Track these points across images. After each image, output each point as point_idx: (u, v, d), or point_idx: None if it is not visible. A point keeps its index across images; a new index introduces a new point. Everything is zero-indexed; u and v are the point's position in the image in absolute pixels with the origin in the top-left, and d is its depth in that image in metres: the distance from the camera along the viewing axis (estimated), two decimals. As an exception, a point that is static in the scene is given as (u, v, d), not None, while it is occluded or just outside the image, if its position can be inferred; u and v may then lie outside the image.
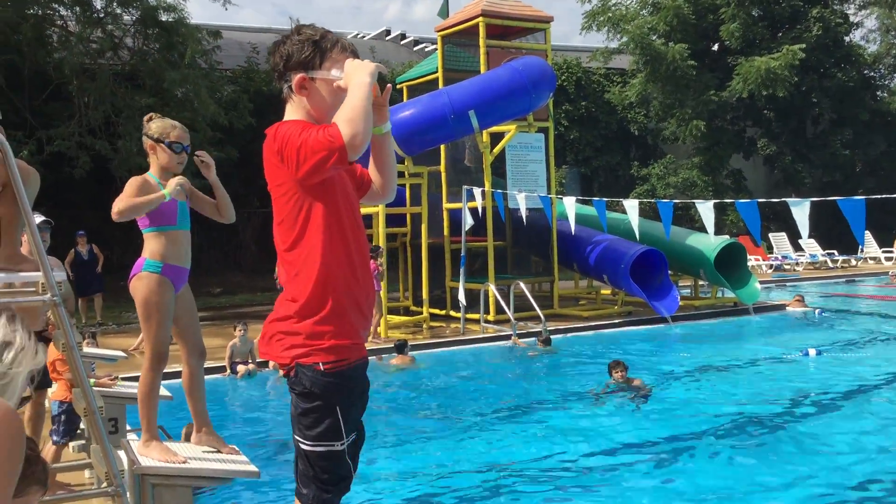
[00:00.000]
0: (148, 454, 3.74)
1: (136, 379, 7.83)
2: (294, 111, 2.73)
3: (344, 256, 2.68)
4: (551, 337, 11.57)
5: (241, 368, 10.05)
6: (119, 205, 3.76)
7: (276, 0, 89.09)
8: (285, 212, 2.66)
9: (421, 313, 13.40)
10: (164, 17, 16.93)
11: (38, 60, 16.59)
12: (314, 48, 2.67)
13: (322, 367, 2.63)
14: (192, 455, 3.86)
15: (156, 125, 3.92)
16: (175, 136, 3.90)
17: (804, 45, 24.15)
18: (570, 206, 11.49)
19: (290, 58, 2.69)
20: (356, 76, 2.56)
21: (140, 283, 3.80)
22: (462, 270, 12.67)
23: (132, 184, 3.83)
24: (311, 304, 2.64)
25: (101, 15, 16.98)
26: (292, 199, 2.64)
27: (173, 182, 3.82)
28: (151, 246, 3.86)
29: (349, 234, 2.71)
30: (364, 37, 31.16)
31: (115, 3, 16.63)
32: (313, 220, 2.64)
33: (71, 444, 5.47)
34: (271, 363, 10.28)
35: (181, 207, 3.92)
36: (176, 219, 3.89)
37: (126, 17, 17.21)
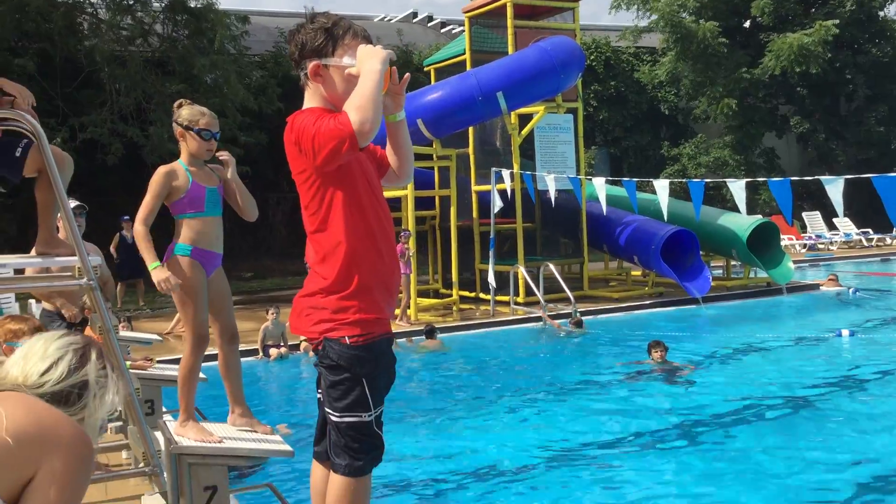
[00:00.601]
0: (185, 434, 3.81)
1: (171, 362, 7.97)
2: (311, 98, 2.81)
3: (366, 236, 2.77)
4: (582, 319, 11.55)
5: (273, 351, 10.16)
6: (138, 216, 3.88)
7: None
8: (309, 197, 2.77)
9: (450, 296, 13.43)
10: (192, 4, 17.03)
11: (70, 48, 16.77)
12: (326, 36, 2.74)
13: (348, 341, 2.73)
14: (228, 435, 3.92)
15: (186, 112, 3.95)
16: (204, 124, 3.94)
17: (837, 21, 23.72)
18: (600, 186, 11.43)
19: (304, 46, 2.76)
20: (367, 63, 2.62)
21: (170, 268, 3.86)
22: (491, 253, 12.67)
23: (157, 176, 3.88)
24: (337, 282, 2.75)
25: (131, 2, 17.11)
26: (314, 185, 2.74)
27: (160, 278, 3.84)
28: (183, 231, 3.92)
29: (370, 214, 2.80)
30: (391, 20, 31.11)
31: (143, -10, 16.76)
32: (336, 204, 2.73)
33: (109, 425, 5.57)
34: (303, 346, 10.40)
35: (210, 194, 3.96)
36: (204, 205, 3.93)
37: (155, 4, 17.32)
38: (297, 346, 10.45)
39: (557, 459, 5.86)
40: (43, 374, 1.80)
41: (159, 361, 6.48)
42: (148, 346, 7.22)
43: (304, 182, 2.76)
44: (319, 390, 2.94)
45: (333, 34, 2.74)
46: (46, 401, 1.76)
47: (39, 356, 1.83)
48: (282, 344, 10.39)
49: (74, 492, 1.68)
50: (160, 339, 7.84)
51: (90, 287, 3.81)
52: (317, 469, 3.03)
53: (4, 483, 1.63)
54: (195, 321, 3.87)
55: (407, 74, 2.86)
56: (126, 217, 14.90)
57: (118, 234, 14.69)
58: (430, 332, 10.57)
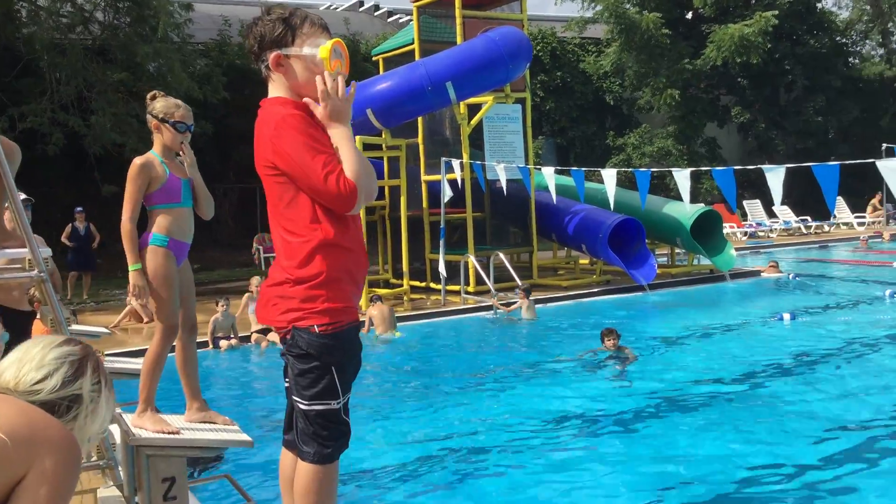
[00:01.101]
0: (142, 425, 3.79)
1: (119, 355, 7.87)
2: (276, 89, 2.84)
3: (336, 229, 2.79)
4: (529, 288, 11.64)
5: (223, 343, 10.09)
6: (124, 213, 3.86)
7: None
8: (279, 191, 2.78)
9: (401, 286, 13.47)
10: (134, -9, 16.69)
11: (7, 36, 16.33)
12: (285, 26, 2.78)
13: (317, 329, 2.76)
14: (186, 426, 3.92)
15: (160, 104, 3.95)
16: (179, 116, 3.95)
17: (777, 12, 24.29)
18: (549, 176, 11.55)
19: (264, 38, 2.80)
20: (337, 131, 2.76)
21: (147, 258, 3.86)
22: (441, 242, 12.73)
23: (134, 169, 3.87)
24: (306, 272, 2.77)
25: (71, -11, 16.73)
26: (286, 182, 2.76)
27: (139, 283, 3.82)
28: (158, 221, 3.91)
29: None
30: (337, 8, 30.89)
31: (85, -23, 16.38)
32: (306, 198, 2.76)
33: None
34: (253, 337, 10.34)
35: (185, 185, 3.97)
36: (181, 196, 3.94)
37: (96, -9, 16.96)
38: (247, 338, 10.39)
39: (512, 445, 5.95)
40: (36, 383, 1.81)
41: (108, 354, 6.41)
42: (96, 339, 7.11)
43: (273, 177, 2.77)
44: (287, 379, 2.96)
45: (291, 24, 2.78)
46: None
47: (35, 365, 1.83)
48: (232, 336, 10.32)
49: (63, 493, 1.71)
50: (108, 332, 7.73)
51: (41, 279, 3.77)
52: (286, 457, 3.05)
53: None
54: (167, 311, 3.87)
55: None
56: (80, 209, 14.70)
57: (70, 224, 14.48)
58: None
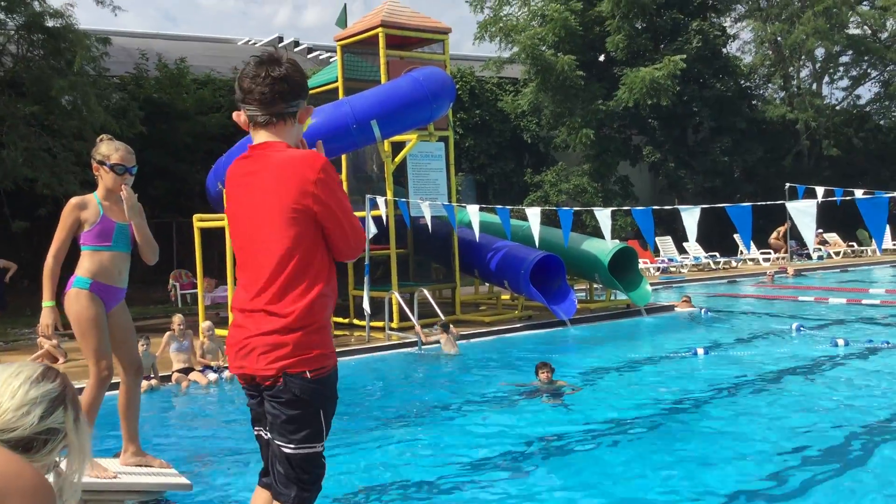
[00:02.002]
0: (78, 471, 3.72)
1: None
2: (287, 136, 2.92)
3: (332, 278, 2.91)
4: (457, 336, 11.78)
5: (143, 384, 9.84)
6: (50, 251, 3.84)
7: (161, 4, 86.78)
8: (292, 233, 2.81)
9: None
10: (50, 23, 16.36)
11: (-86, 67, 15.80)
12: (306, 82, 2.97)
13: (309, 375, 2.82)
14: (123, 470, 3.86)
15: (103, 147, 3.95)
16: (118, 158, 3.94)
17: (685, 56, 25.34)
18: (473, 213, 11.75)
19: (298, 86, 2.92)
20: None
21: (69, 301, 3.81)
22: (366, 279, 12.76)
23: (66, 209, 3.85)
24: (302, 320, 2.82)
25: (-18, 20, 16.30)
26: (303, 226, 2.81)
27: (48, 321, 3.79)
28: (84, 263, 3.89)
29: (330, 256, 2.97)
30: (256, 43, 30.79)
31: (-3, 9, 15.99)
32: (320, 247, 2.86)
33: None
34: (174, 377, 10.14)
35: (120, 229, 3.94)
36: (111, 239, 3.91)
37: (10, 23, 16.54)
38: (168, 378, 10.18)
39: (442, 482, 5.99)
40: (14, 421, 1.78)
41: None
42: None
43: (295, 218, 2.80)
44: (258, 427, 2.98)
45: (307, 82, 2.98)
46: (11, 447, 1.75)
47: (15, 404, 1.79)
48: (152, 375, 10.10)
49: None
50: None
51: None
52: (260, 494, 3.06)
53: None
54: (95, 354, 3.82)
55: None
56: None
57: None
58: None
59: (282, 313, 2.82)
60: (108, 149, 3.95)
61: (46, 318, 3.74)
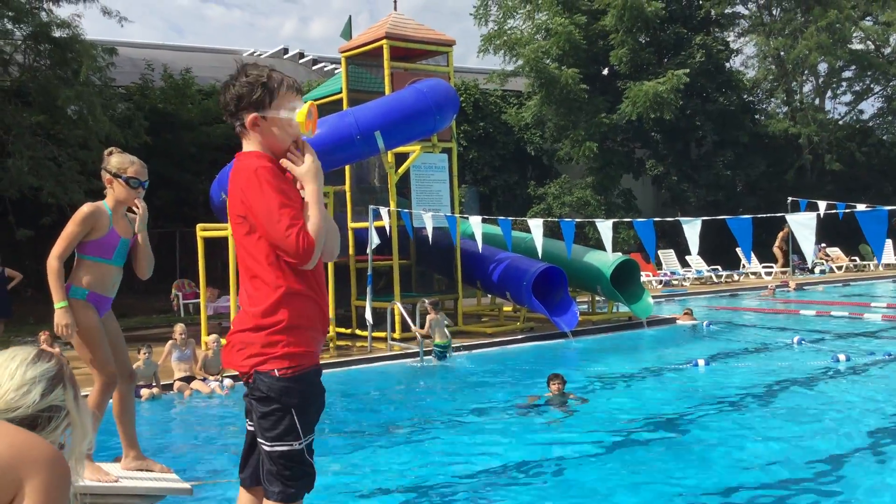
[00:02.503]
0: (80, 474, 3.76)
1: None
2: (250, 145, 2.99)
3: (301, 279, 2.93)
4: (451, 347, 11.80)
5: (144, 392, 9.87)
6: (54, 250, 3.86)
7: (168, 15, 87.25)
8: (250, 241, 2.91)
9: (327, 333, 13.41)
10: (57, 34, 16.48)
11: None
12: (263, 89, 2.92)
13: (277, 373, 2.87)
14: (124, 474, 3.90)
15: (115, 160, 3.99)
16: (133, 172, 3.99)
17: (688, 70, 25.43)
18: (476, 225, 11.79)
19: (242, 98, 2.94)
20: (308, 186, 2.91)
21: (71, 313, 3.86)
22: (368, 289, 12.80)
23: (81, 214, 3.89)
24: (267, 319, 2.89)
25: (-10, 30, 16.42)
26: (254, 232, 2.90)
27: (64, 322, 3.82)
28: (80, 273, 3.92)
29: None
30: (261, 55, 30.97)
31: (5, 19, 16.09)
32: (272, 249, 2.88)
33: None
34: (176, 385, 10.18)
35: (123, 245, 3.98)
36: (112, 254, 3.96)
37: (17, 33, 16.66)
38: (169, 386, 10.22)
39: (443, 490, 6.02)
40: (16, 400, 1.83)
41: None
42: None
43: (240, 226, 2.91)
44: (249, 421, 3.04)
45: (269, 87, 2.92)
46: (16, 425, 1.80)
47: (14, 384, 1.85)
48: (153, 384, 10.13)
49: None
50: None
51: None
52: (243, 496, 3.12)
53: None
54: (101, 362, 3.86)
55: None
56: None
57: None
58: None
59: (251, 312, 2.94)
60: (123, 162, 3.99)
61: (63, 318, 3.77)
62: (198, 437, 8.09)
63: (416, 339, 12.22)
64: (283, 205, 2.80)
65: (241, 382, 3.07)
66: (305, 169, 2.90)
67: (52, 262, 3.86)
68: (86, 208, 3.92)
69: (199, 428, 8.57)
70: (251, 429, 3.08)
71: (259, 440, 2.96)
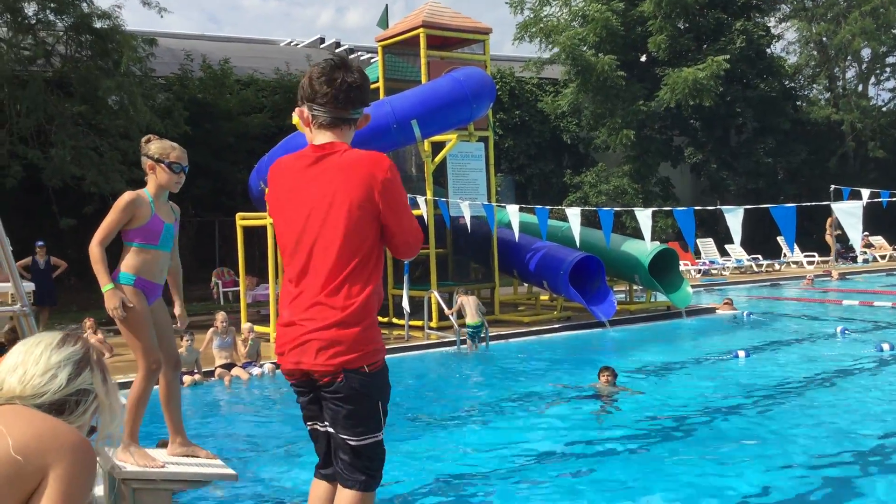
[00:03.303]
0: (127, 459, 3.82)
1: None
2: (346, 139, 3.05)
3: (379, 275, 3.04)
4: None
5: (187, 379, 10.01)
6: (95, 237, 3.92)
7: (205, 6, 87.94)
8: (356, 230, 2.92)
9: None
10: (98, 24, 16.68)
11: (-33, 68, 16.20)
12: (368, 91, 3.11)
13: (367, 370, 2.91)
14: (170, 460, 3.95)
15: (155, 146, 4.03)
16: (175, 157, 4.03)
17: (728, 56, 25.04)
18: (513, 213, 11.75)
19: (366, 95, 3.07)
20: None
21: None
22: (405, 278, 12.83)
23: (122, 202, 3.93)
24: (358, 316, 2.91)
25: (33, 21, 16.66)
26: (367, 224, 2.92)
27: (113, 304, 3.90)
28: (129, 259, 3.97)
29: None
30: (298, 45, 31.09)
31: (47, 10, 16.32)
32: (378, 244, 2.97)
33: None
34: (217, 372, 10.30)
35: (167, 229, 4.03)
36: (159, 240, 4.00)
37: (59, 24, 16.90)
38: (211, 373, 10.35)
39: (474, 480, 6.03)
40: (42, 385, 1.83)
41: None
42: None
43: (361, 217, 2.90)
44: (311, 423, 3.11)
45: (369, 91, 3.10)
46: (45, 411, 1.80)
47: (40, 369, 1.85)
48: (196, 371, 10.27)
49: (77, 494, 1.72)
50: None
51: (24, 313, 3.80)
52: (318, 487, 3.19)
53: (13, 497, 1.68)
54: (145, 349, 3.92)
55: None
56: (41, 242, 14.46)
57: (31, 257, 14.22)
58: None
59: (340, 308, 2.89)
60: (164, 147, 4.03)
61: (112, 300, 3.83)
62: (239, 423, 8.20)
63: (452, 327, 12.24)
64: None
65: (294, 384, 3.07)
66: None
67: (94, 249, 3.92)
68: (126, 196, 3.97)
69: (239, 414, 8.69)
70: (320, 428, 3.09)
71: (344, 437, 2.97)
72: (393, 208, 2.90)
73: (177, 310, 4.25)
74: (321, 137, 3.00)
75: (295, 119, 3.07)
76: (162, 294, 4.18)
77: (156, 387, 4.09)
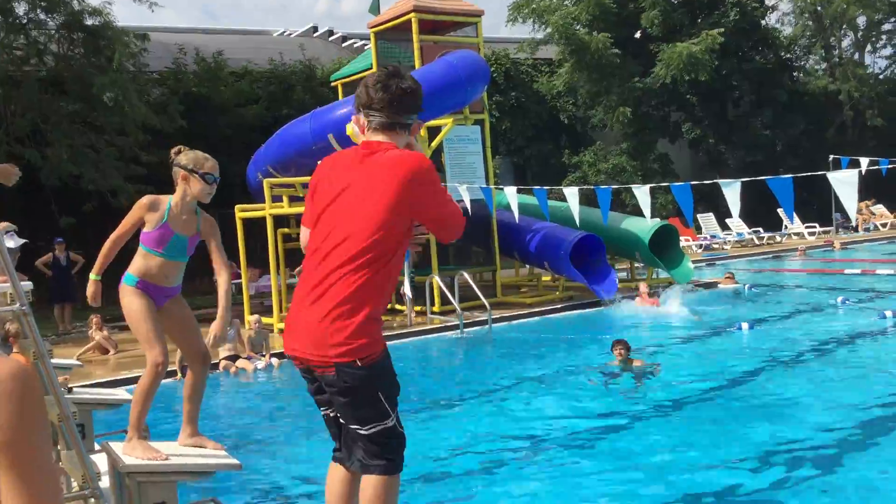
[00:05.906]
0: (131, 453, 3.84)
1: (88, 386, 7.83)
2: (398, 143, 3.12)
3: (393, 268, 3.06)
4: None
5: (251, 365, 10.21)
6: (112, 235, 3.99)
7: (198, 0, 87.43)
8: (387, 224, 2.97)
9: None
10: (89, 22, 16.63)
11: (-40, 70, 16.17)
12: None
13: (359, 364, 2.95)
14: (174, 451, 3.97)
15: (186, 157, 4.02)
16: (209, 168, 4.02)
17: (723, 30, 24.93)
18: (511, 196, 11.75)
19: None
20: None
21: (120, 295, 3.97)
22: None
23: (138, 203, 4.01)
24: (369, 309, 2.97)
25: (24, 21, 16.60)
26: (399, 219, 2.99)
27: (91, 291, 3.92)
28: (135, 261, 4.03)
29: None
30: (291, 34, 30.97)
31: (38, 10, 16.27)
32: (404, 243, 3.04)
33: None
34: (222, 364, 10.33)
35: (177, 241, 4.01)
36: (164, 248, 4.00)
37: (50, 23, 16.85)
38: (215, 365, 10.37)
39: (494, 460, 6.05)
40: None
41: (79, 386, 6.40)
42: (68, 371, 7.10)
43: (391, 211, 2.95)
44: (324, 408, 3.19)
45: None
46: None
47: None
48: (263, 353, 10.48)
49: (16, 425, 1.52)
50: (80, 364, 7.71)
51: (23, 312, 3.81)
52: (335, 471, 3.27)
53: None
54: (149, 343, 3.94)
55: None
56: (60, 239, 14.44)
57: (51, 254, 14.22)
58: None
59: (344, 300, 2.95)
60: (198, 158, 4.02)
61: (91, 288, 3.95)
62: (244, 414, 8.25)
63: (455, 311, 12.26)
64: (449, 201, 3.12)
65: (301, 370, 3.13)
66: None
67: (107, 242, 4.02)
68: (144, 198, 4.03)
69: (244, 404, 8.73)
70: (331, 414, 3.17)
71: (352, 426, 3.06)
72: (434, 201, 3.03)
73: (212, 327, 4.11)
74: (374, 138, 3.11)
75: (349, 130, 3.15)
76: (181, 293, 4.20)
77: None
